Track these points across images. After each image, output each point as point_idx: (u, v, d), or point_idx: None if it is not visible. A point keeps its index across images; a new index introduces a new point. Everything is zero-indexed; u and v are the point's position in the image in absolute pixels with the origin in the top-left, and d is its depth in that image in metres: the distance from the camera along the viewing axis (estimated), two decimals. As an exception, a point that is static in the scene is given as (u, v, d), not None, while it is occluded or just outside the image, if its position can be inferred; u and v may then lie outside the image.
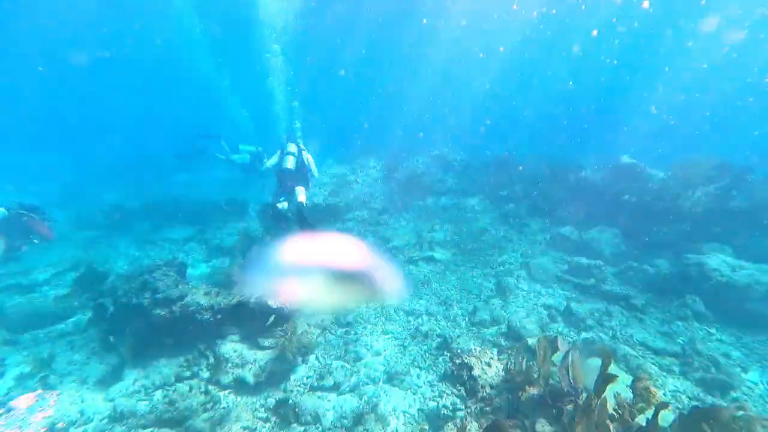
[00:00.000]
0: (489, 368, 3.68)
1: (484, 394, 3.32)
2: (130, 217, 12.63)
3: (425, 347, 5.53)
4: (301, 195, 7.13)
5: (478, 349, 3.93)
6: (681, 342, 4.64)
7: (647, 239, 6.70)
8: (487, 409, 3.20)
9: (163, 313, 5.06)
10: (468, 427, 3.14)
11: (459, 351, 3.99)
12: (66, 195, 15.93)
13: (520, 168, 12.63)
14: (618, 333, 4.98)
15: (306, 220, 7.22)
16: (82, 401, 4.38)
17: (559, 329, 5.45)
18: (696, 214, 6.69)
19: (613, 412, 2.85)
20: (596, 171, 9.23)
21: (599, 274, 6.39)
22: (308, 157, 7.39)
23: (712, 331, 5.10)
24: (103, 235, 11.24)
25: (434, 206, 12.59)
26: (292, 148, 7.09)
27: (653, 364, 4.33)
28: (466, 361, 3.85)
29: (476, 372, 3.65)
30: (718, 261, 5.72)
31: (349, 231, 10.43)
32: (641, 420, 2.79)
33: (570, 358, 3.27)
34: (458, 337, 5.60)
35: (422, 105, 28.94)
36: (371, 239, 9.95)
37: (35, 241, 7.09)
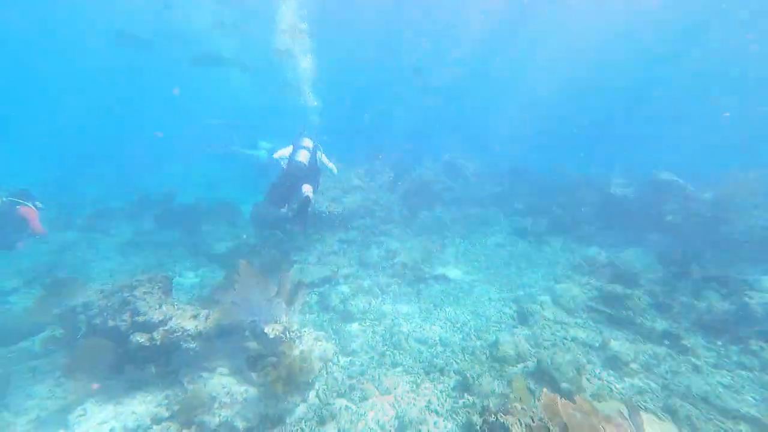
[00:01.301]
0: (531, 433, 3.15)
1: (531, 472, 2.80)
2: (113, 216, 12.05)
3: (441, 386, 4.98)
4: (307, 191, 6.62)
5: (518, 406, 3.39)
6: (753, 400, 4.08)
7: (690, 266, 6.18)
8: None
9: (142, 340, 4.50)
10: None
11: (492, 408, 3.44)
12: (44, 190, 15.35)
13: (539, 179, 12.16)
14: (671, 383, 4.43)
15: (307, 216, 6.72)
16: (38, 449, 3.80)
17: (599, 372, 4.92)
18: (750, 237, 6.15)
19: None
20: (626, 186, 8.72)
21: (636, 306, 5.87)
22: (322, 157, 6.92)
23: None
24: (82, 236, 10.65)
25: (444, 217, 12.07)
26: (306, 142, 6.57)
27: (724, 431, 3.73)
28: (502, 421, 3.30)
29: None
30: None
31: (352, 241, 9.90)
32: None
33: None
34: (479, 376, 5.06)
35: (433, 111, 28.49)
36: (376, 252, 9.42)
37: (30, 236, 6.48)
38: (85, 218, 11.40)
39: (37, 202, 6.62)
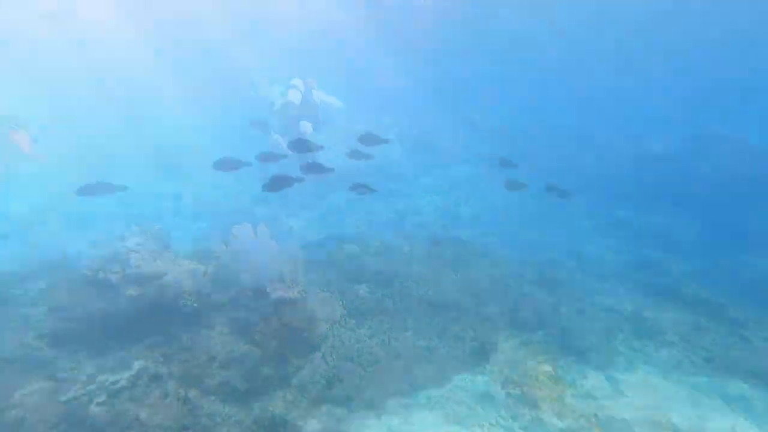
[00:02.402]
0: (562, 407, 2.88)
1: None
2: (109, 162, 11.69)
3: (457, 352, 4.76)
4: (306, 127, 6.27)
5: (544, 378, 3.12)
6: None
7: (738, 230, 5.66)
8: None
9: (135, 294, 4.28)
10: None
11: (514, 377, 3.19)
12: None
13: (564, 134, 11.42)
14: (715, 356, 4.11)
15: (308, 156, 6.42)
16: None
17: (628, 340, 4.63)
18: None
19: None
20: (667, 141, 8.02)
21: (675, 272, 5.47)
22: (320, 94, 6.49)
23: None
24: (82, 182, 10.36)
25: (458, 174, 11.57)
26: (296, 81, 6.20)
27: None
28: (526, 392, 3.04)
29: (544, 415, 2.85)
30: None
31: (359, 200, 9.52)
32: None
33: None
34: (497, 343, 4.82)
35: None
36: (385, 211, 9.06)
37: (29, 160, 6.37)
38: (79, 162, 11.04)
39: (30, 129, 6.41)
